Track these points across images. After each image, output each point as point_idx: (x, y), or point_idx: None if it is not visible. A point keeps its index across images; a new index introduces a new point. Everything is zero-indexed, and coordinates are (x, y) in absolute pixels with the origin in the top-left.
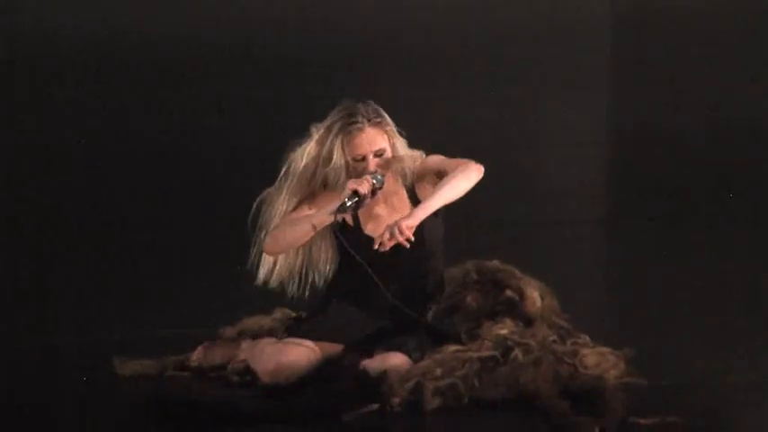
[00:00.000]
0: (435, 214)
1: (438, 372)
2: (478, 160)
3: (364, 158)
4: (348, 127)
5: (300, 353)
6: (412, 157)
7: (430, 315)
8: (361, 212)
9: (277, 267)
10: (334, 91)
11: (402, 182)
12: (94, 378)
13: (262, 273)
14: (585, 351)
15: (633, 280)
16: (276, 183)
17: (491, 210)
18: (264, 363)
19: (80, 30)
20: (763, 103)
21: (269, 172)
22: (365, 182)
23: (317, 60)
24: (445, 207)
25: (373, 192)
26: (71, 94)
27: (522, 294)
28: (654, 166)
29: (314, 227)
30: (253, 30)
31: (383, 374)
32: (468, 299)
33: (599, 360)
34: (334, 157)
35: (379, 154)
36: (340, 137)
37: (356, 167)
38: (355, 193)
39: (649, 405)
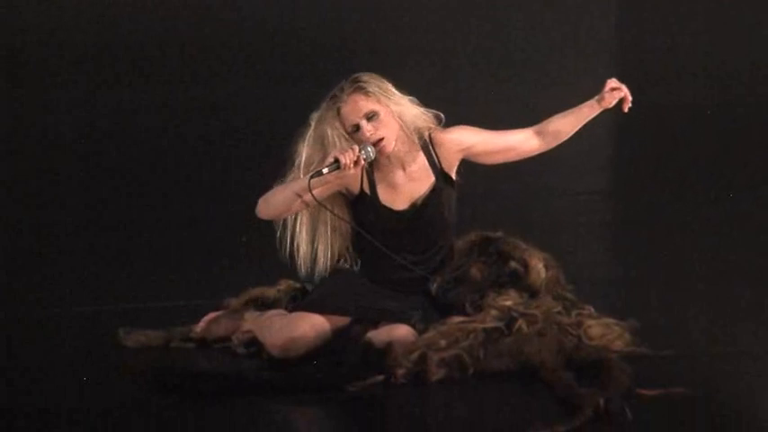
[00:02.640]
0: (451, 183)
1: (443, 343)
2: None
3: (358, 127)
4: (333, 106)
5: (309, 327)
6: (423, 118)
7: (435, 287)
8: (378, 181)
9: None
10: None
11: (420, 146)
12: (100, 349)
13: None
14: (590, 322)
15: (638, 251)
16: (287, 177)
17: (496, 181)
18: (273, 337)
19: (80, 29)
20: None
21: (275, 146)
22: (350, 151)
23: (317, 60)
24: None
25: (356, 162)
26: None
27: (526, 266)
28: (660, 138)
29: (296, 193)
30: (252, 29)
31: (388, 346)
32: (473, 270)
33: (603, 331)
34: (330, 138)
35: (370, 116)
36: (329, 118)
37: (357, 140)
38: (337, 160)
39: (654, 376)
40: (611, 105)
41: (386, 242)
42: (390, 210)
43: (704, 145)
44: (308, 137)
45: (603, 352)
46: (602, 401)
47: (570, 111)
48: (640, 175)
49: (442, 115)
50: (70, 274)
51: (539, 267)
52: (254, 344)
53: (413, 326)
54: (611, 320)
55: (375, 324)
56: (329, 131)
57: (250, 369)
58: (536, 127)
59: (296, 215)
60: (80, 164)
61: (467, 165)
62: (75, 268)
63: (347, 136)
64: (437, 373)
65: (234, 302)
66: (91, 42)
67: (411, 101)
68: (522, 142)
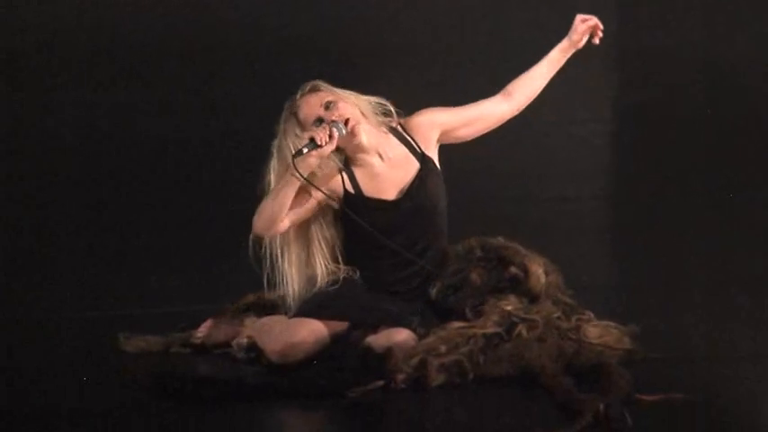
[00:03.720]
0: (436, 168)
1: (443, 348)
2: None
3: (320, 118)
4: (290, 117)
5: (308, 332)
6: (378, 106)
7: (434, 292)
8: (359, 176)
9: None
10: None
11: (395, 137)
12: (99, 354)
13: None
14: (590, 327)
15: (637, 256)
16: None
17: (495, 186)
18: (273, 343)
19: (80, 29)
20: None
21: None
22: (322, 129)
23: (318, 60)
24: (448, 183)
25: (330, 136)
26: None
27: (526, 271)
28: (659, 142)
29: (289, 182)
30: (252, 29)
31: (388, 351)
32: (473, 275)
33: (603, 336)
34: (293, 142)
35: (328, 106)
36: (290, 131)
37: (316, 131)
38: (312, 140)
39: (653, 381)
40: (583, 42)
41: (379, 241)
42: (378, 200)
43: (703, 149)
44: (272, 163)
45: (603, 357)
46: (601, 407)
47: (539, 63)
48: (639, 179)
49: (389, 103)
50: (70, 279)
51: (539, 272)
52: (253, 349)
53: (413, 330)
54: (610, 325)
55: (374, 329)
56: (293, 142)
57: (250, 374)
58: (505, 89)
59: (281, 241)
60: (80, 167)
61: (467, 168)
62: (74, 273)
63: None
64: (437, 379)
65: (233, 308)
66: (91, 43)
67: (358, 94)
68: (493, 106)
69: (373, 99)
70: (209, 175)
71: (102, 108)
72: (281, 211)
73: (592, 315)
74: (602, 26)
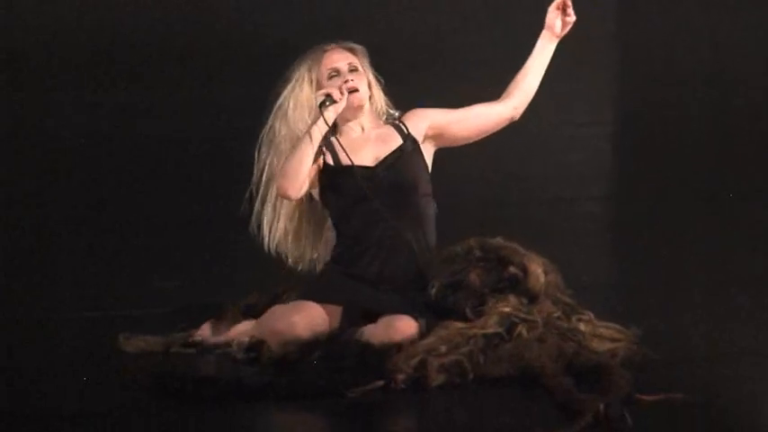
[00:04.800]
0: (419, 152)
1: (443, 349)
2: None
3: (338, 72)
4: (317, 53)
5: (306, 314)
6: (386, 102)
7: (433, 292)
8: (341, 143)
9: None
10: None
11: (394, 127)
12: (99, 354)
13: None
14: (590, 328)
15: (638, 256)
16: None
17: (496, 187)
18: (272, 325)
19: (81, 30)
20: None
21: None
22: (336, 86)
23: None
24: (448, 184)
25: (342, 93)
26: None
27: (525, 270)
28: (660, 144)
29: (311, 138)
30: (252, 30)
31: (388, 351)
32: (472, 276)
33: (603, 336)
34: (305, 88)
35: (352, 68)
36: (308, 64)
37: (330, 86)
38: (329, 95)
39: (654, 381)
40: (557, 25)
41: (360, 219)
42: (356, 166)
43: (703, 150)
44: (284, 113)
45: (603, 357)
46: (601, 407)
47: (528, 61)
48: (640, 180)
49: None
50: (70, 279)
51: (538, 272)
52: (254, 349)
53: (414, 317)
54: (610, 325)
55: (374, 319)
56: (310, 85)
57: (250, 374)
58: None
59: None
60: (80, 167)
61: (467, 169)
62: (74, 273)
63: (324, 84)
64: (437, 379)
65: (234, 308)
66: (91, 43)
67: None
68: (488, 106)
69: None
70: (209, 175)
71: (102, 108)
72: (306, 165)
73: (592, 315)
74: (569, 2)
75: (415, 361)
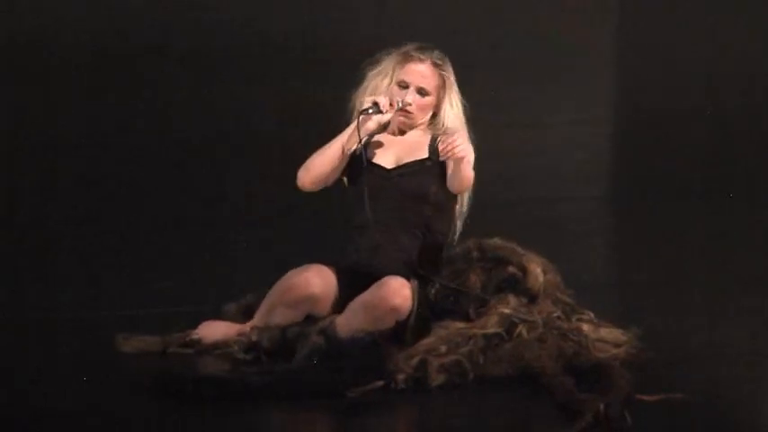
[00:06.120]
0: (441, 175)
1: (443, 349)
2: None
3: (408, 86)
4: (409, 53)
5: (317, 270)
6: (453, 128)
7: (433, 293)
8: (370, 146)
9: None
10: (337, 87)
11: (430, 140)
12: (93, 355)
13: None
14: (590, 328)
15: (637, 256)
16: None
17: (496, 188)
18: (287, 280)
19: (82, 31)
20: None
21: (276, 150)
22: (384, 97)
23: (317, 61)
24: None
25: (391, 104)
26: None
27: (524, 270)
28: (659, 144)
29: (343, 144)
30: (252, 30)
31: (388, 351)
32: (472, 277)
33: (603, 337)
34: (384, 81)
35: (422, 92)
36: (397, 61)
37: (394, 91)
38: (375, 104)
39: (653, 381)
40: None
41: (371, 209)
42: (375, 165)
43: (704, 150)
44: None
45: (603, 357)
46: (602, 407)
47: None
48: (639, 180)
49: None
50: (70, 279)
51: (537, 271)
52: (253, 349)
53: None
54: (610, 326)
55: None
56: (386, 78)
57: (250, 374)
58: None
59: None
60: (80, 167)
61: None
62: (74, 273)
63: (393, 88)
64: (437, 379)
65: (232, 308)
66: (91, 43)
67: (462, 110)
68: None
69: (463, 120)
70: (208, 176)
71: (102, 108)
72: (330, 166)
73: (592, 315)
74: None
75: (415, 361)
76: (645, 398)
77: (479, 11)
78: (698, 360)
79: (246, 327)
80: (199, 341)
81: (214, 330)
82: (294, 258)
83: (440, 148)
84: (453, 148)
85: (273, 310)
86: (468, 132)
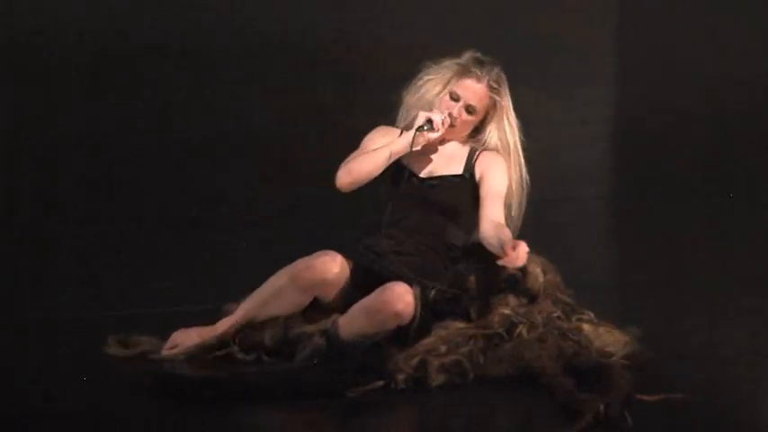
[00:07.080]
0: (470, 194)
1: (443, 349)
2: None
3: (458, 100)
4: (470, 68)
5: (332, 256)
6: (494, 152)
7: (433, 294)
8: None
9: None
10: (338, 89)
11: (467, 155)
12: (93, 355)
13: None
14: (590, 328)
15: (638, 256)
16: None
17: None
18: (304, 261)
19: (82, 31)
20: None
21: (276, 150)
22: (438, 113)
23: (317, 62)
24: None
25: (442, 122)
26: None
27: (524, 270)
28: (660, 144)
29: (392, 154)
30: (252, 31)
31: (388, 351)
32: (471, 278)
33: (603, 337)
34: (437, 88)
35: (469, 109)
36: (456, 71)
37: (443, 102)
38: (429, 120)
39: (654, 381)
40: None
41: (393, 211)
42: (407, 170)
43: (704, 150)
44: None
45: (604, 358)
46: (602, 407)
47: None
48: (640, 180)
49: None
50: (70, 279)
51: (536, 271)
52: (254, 349)
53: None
54: (610, 326)
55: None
56: (439, 84)
57: (250, 374)
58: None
59: None
60: (80, 167)
61: None
62: (74, 273)
63: (444, 98)
64: (437, 379)
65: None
66: (92, 44)
67: (512, 132)
68: (482, 218)
69: (515, 141)
70: (208, 176)
71: (102, 108)
72: (372, 174)
73: (592, 315)
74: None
75: (415, 361)
76: (645, 398)
77: (479, 11)
78: (698, 360)
79: (220, 326)
80: (173, 352)
81: (187, 336)
82: (294, 258)
83: (507, 253)
84: (517, 260)
85: (277, 297)
86: (521, 152)
